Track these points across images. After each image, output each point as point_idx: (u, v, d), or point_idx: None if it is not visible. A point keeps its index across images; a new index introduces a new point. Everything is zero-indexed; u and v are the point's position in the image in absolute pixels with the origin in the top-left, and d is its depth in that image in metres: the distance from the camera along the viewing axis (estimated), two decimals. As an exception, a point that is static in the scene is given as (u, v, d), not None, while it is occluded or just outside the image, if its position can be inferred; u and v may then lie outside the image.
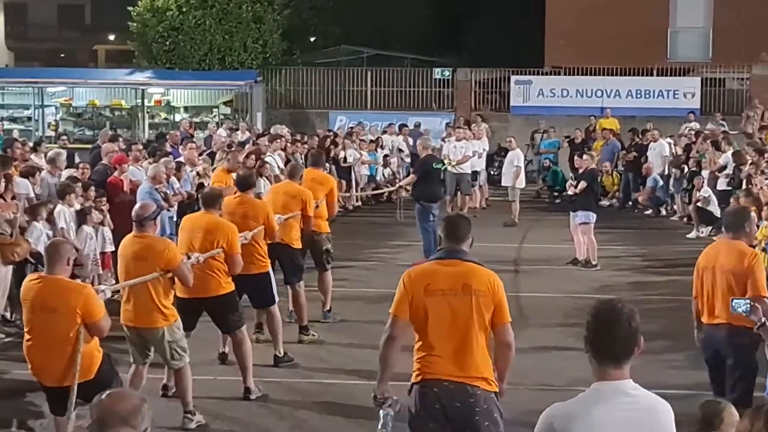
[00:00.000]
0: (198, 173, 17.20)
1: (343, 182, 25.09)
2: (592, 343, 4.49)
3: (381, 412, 6.56)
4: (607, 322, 4.47)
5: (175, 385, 9.71)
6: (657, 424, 4.44)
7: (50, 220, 13.77)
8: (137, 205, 9.61)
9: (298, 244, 12.68)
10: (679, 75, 33.46)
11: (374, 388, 6.69)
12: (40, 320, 7.82)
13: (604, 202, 25.13)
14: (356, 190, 25.63)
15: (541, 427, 4.47)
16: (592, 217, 17.30)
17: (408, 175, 22.51)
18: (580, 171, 17.82)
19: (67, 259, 7.97)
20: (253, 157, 18.26)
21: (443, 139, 25.92)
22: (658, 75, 33.21)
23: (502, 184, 24.41)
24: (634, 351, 4.47)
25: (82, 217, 14.29)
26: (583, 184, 17.11)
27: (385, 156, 27.44)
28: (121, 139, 19.91)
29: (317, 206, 12.98)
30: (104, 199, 14.94)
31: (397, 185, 22.14)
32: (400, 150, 27.88)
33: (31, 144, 19.62)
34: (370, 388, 10.41)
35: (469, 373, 6.44)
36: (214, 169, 17.46)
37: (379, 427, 6.53)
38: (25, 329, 8.00)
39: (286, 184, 13.03)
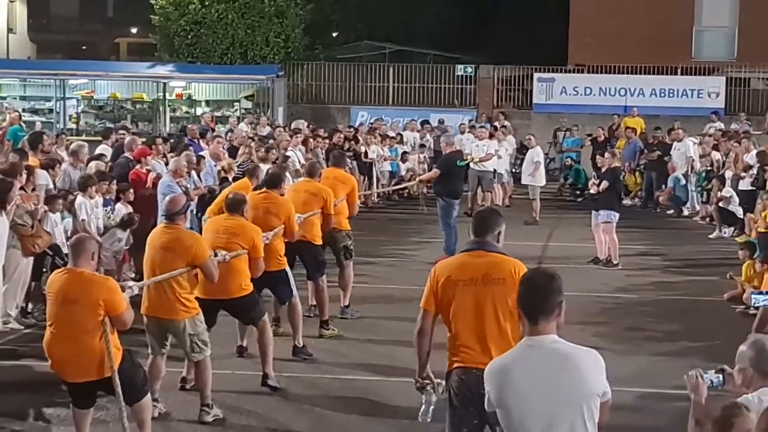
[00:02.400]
0: (223, 168, 17.14)
1: (364, 178, 25.08)
2: (519, 305, 5.18)
3: (423, 396, 6.79)
4: (527, 286, 5.18)
5: (194, 378, 9.69)
6: (570, 369, 5.00)
7: (71, 212, 13.78)
8: (167, 199, 9.64)
9: (319, 241, 12.69)
10: (704, 74, 33.29)
11: (415, 373, 6.89)
12: (62, 312, 7.80)
13: (627, 202, 24.99)
14: (377, 187, 25.58)
15: (484, 380, 5.22)
16: (615, 216, 17.18)
17: (429, 170, 22.45)
18: (603, 170, 17.72)
19: (91, 254, 7.95)
20: (274, 151, 18.27)
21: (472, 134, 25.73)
22: (682, 74, 33.06)
23: (522, 182, 24.30)
24: (548, 310, 5.06)
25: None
26: (605, 184, 17.00)
27: (404, 153, 27.31)
28: (114, 133, 19.83)
29: (337, 204, 12.97)
30: (131, 192, 14.91)
31: (417, 179, 22.07)
32: (422, 146, 27.79)
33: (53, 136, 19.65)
34: (389, 384, 10.55)
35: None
36: (240, 166, 17.40)
37: (421, 411, 6.81)
38: (48, 322, 7.98)
39: (306, 183, 13.01)
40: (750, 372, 5.66)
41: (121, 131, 19.62)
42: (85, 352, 7.75)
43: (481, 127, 25.88)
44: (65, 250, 13.18)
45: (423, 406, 6.79)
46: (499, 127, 27.02)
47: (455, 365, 6.69)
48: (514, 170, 27.27)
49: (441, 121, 30.13)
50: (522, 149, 27.36)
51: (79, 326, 7.72)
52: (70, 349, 7.80)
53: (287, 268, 11.51)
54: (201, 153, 17.58)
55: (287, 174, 16.12)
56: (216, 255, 9.63)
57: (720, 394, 5.84)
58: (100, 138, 19.90)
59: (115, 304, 7.78)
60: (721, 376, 5.83)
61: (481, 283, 6.67)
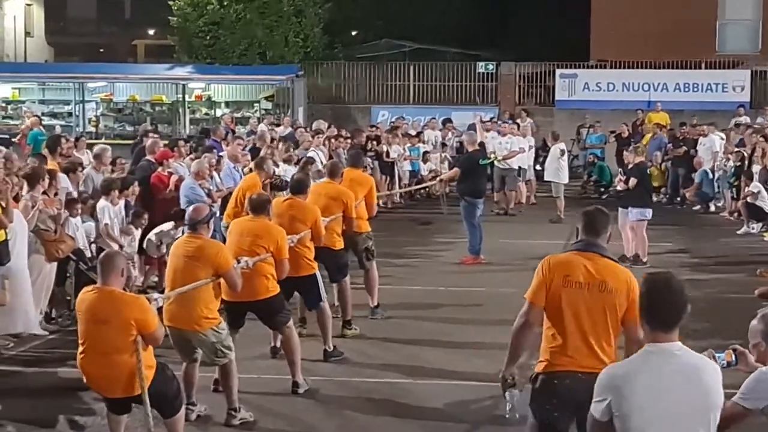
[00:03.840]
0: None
1: (386, 178, 24.96)
2: (647, 310, 5.04)
3: (507, 394, 6.68)
4: (661, 293, 5.03)
5: (220, 382, 9.63)
6: (698, 380, 4.93)
7: (93, 216, 13.69)
8: (191, 208, 9.56)
9: (340, 245, 12.58)
10: (728, 68, 33.16)
11: (502, 370, 6.71)
12: (93, 332, 7.76)
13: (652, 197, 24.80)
14: (398, 186, 25.46)
15: (598, 386, 5.06)
16: (648, 213, 17.03)
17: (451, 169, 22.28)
18: (629, 166, 17.49)
19: (121, 271, 7.90)
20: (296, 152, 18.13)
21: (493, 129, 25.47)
22: (706, 68, 32.96)
23: (545, 179, 24.15)
24: (682, 318, 5.02)
25: (134, 220, 14.18)
26: (633, 181, 16.78)
27: (426, 153, 27.11)
28: (151, 134, 19.71)
29: (356, 206, 12.87)
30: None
31: (438, 179, 21.94)
32: (444, 145, 27.62)
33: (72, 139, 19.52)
34: (417, 387, 10.45)
35: (603, 365, 6.35)
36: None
37: (508, 409, 6.69)
38: (80, 341, 7.93)
39: (326, 185, 12.88)
40: (763, 346, 5.65)
41: (153, 135, 19.39)
42: (118, 370, 7.72)
43: (504, 123, 25.76)
44: (88, 254, 13.20)
45: (509, 404, 6.68)
46: (521, 124, 26.82)
47: (557, 368, 6.54)
48: (536, 168, 27.07)
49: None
50: (545, 146, 27.22)
51: (110, 345, 7.68)
52: (103, 367, 7.77)
53: (317, 273, 11.46)
54: (221, 154, 17.45)
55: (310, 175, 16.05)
56: (239, 262, 9.57)
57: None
58: (123, 142, 19.79)
59: (147, 322, 7.74)
60: (733, 355, 5.82)
61: (597, 290, 6.52)
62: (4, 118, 30.92)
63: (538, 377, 6.59)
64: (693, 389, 4.91)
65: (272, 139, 20.46)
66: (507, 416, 6.76)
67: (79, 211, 13.30)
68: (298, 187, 11.79)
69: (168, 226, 14.04)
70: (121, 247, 13.40)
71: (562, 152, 23.23)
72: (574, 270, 6.56)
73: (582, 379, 6.40)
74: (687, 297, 5.04)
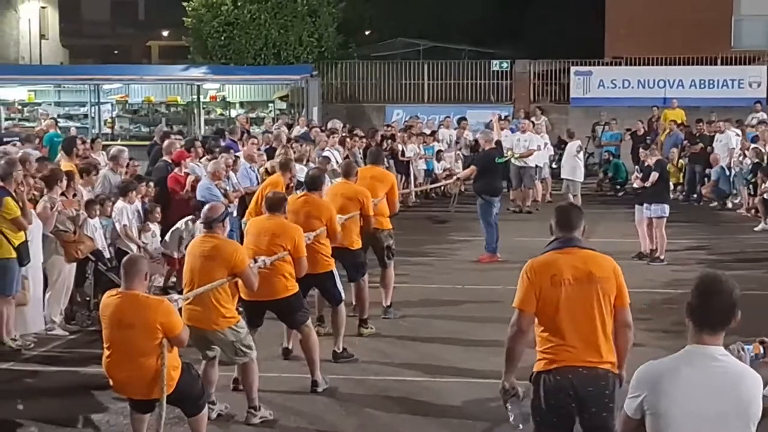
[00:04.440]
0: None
1: (402, 177, 24.96)
2: (695, 310, 4.84)
3: (508, 405, 6.67)
4: (710, 293, 4.86)
5: (240, 381, 9.65)
6: (740, 388, 4.75)
7: (110, 217, 13.73)
8: (206, 207, 9.53)
9: (357, 245, 12.50)
10: (744, 64, 32.99)
11: (502, 381, 6.69)
12: (119, 336, 7.77)
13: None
14: (414, 185, 25.46)
15: (634, 382, 4.89)
16: (667, 209, 17.01)
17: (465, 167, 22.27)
18: (645, 164, 17.44)
19: (144, 274, 7.90)
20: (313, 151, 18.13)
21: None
22: (722, 64, 32.81)
23: (561, 176, 24.13)
24: (731, 321, 4.84)
25: (149, 215, 14.23)
26: (654, 176, 16.73)
27: (439, 151, 27.05)
28: (172, 136, 19.69)
29: (376, 204, 12.83)
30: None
31: (454, 177, 21.90)
32: (458, 143, 27.59)
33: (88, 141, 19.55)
34: (434, 385, 10.47)
35: (601, 358, 6.51)
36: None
37: (512, 418, 6.68)
38: (105, 345, 7.93)
39: (342, 185, 12.82)
40: None
41: (175, 136, 19.35)
42: (145, 373, 7.74)
43: (522, 120, 25.75)
44: (107, 254, 13.25)
45: (512, 415, 6.68)
46: (536, 122, 26.80)
47: (558, 364, 6.49)
48: (552, 165, 27.02)
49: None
50: (561, 144, 27.17)
51: (136, 350, 7.70)
52: (129, 371, 7.79)
53: (334, 270, 11.45)
54: (237, 154, 17.48)
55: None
56: (256, 261, 9.57)
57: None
58: (139, 143, 19.79)
59: (173, 325, 7.76)
60: (761, 347, 5.67)
61: (587, 282, 6.50)
62: (20, 120, 31.02)
63: (540, 375, 6.53)
64: (733, 396, 4.73)
65: (288, 139, 20.48)
66: (512, 423, 6.74)
67: (98, 212, 13.34)
68: (313, 183, 11.67)
69: (183, 223, 14.12)
70: (140, 247, 13.47)
71: (578, 150, 23.23)
72: (560, 269, 6.52)
73: (584, 374, 6.42)
74: (737, 300, 4.86)
